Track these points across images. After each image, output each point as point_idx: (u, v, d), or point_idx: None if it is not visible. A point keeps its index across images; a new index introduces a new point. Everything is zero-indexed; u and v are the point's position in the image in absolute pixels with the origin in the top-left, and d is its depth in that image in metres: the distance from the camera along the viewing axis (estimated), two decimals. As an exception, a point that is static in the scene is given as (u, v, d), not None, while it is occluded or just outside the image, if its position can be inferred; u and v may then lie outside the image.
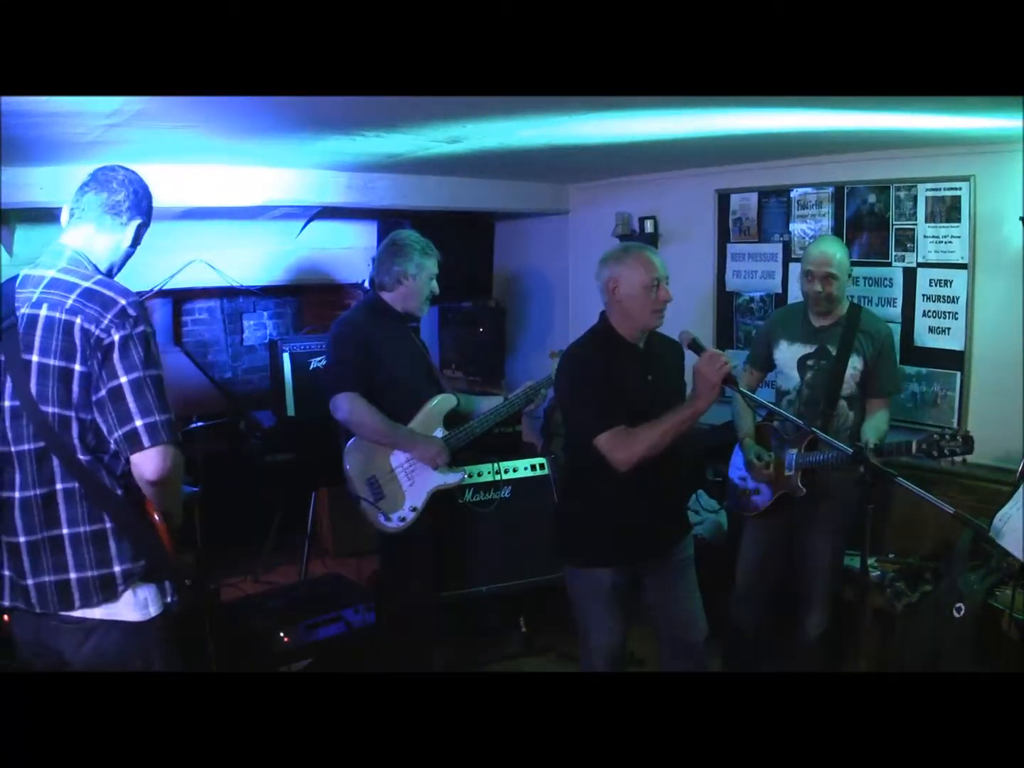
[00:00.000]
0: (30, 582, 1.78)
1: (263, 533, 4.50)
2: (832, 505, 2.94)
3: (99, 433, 1.77)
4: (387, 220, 4.56)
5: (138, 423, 1.74)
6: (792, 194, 3.92)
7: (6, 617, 1.94)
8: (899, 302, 3.55)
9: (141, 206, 1.93)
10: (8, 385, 1.78)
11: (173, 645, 1.89)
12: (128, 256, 1.97)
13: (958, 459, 2.67)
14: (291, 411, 4.28)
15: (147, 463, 1.76)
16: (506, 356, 5.35)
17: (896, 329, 3.41)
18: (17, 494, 1.77)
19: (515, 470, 3.74)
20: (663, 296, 2.39)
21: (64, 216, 1.91)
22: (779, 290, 4.03)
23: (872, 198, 3.61)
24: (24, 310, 1.78)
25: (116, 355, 1.74)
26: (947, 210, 3.36)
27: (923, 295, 3.48)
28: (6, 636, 1.96)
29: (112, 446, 1.78)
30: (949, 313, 3.40)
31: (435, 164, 3.71)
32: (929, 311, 3.47)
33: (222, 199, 3.75)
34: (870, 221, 3.63)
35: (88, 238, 1.87)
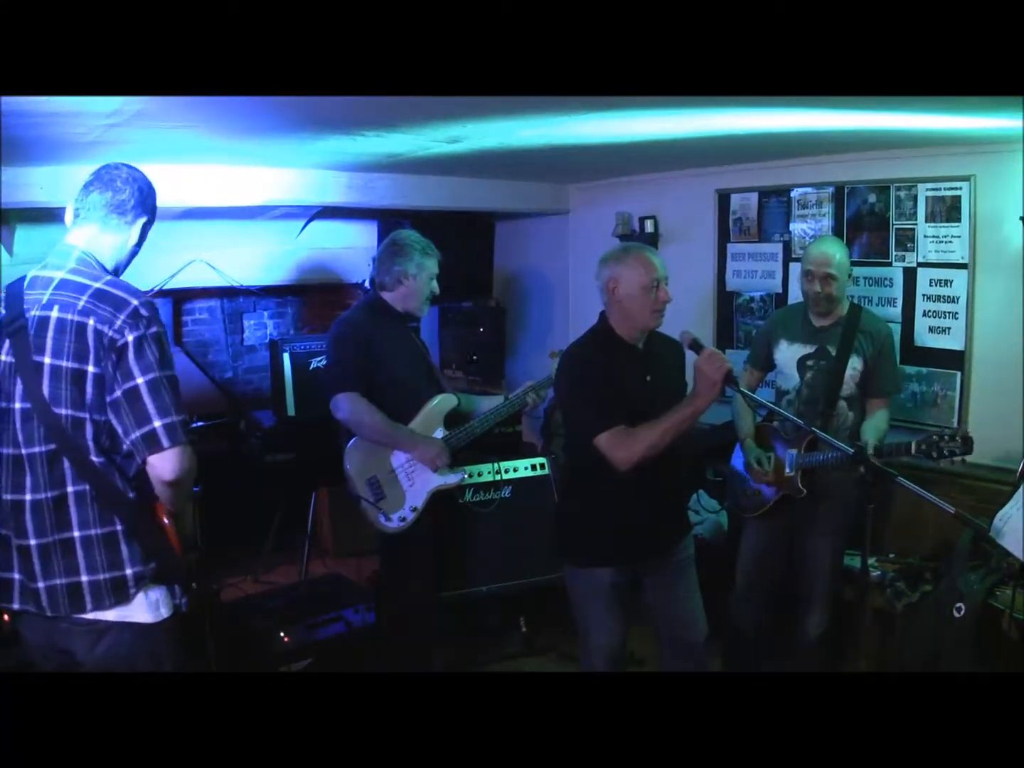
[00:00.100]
0: (41, 585, 1.77)
1: (263, 533, 4.49)
2: (832, 505, 2.94)
3: (113, 435, 1.77)
4: (387, 220, 4.56)
5: (157, 424, 1.73)
6: (792, 194, 3.92)
7: (6, 617, 1.94)
8: (899, 302, 3.55)
9: (146, 204, 1.93)
10: (19, 387, 1.77)
11: (183, 646, 1.90)
12: (134, 254, 1.97)
13: (957, 459, 2.67)
14: (291, 411, 4.28)
15: (165, 464, 1.75)
16: (506, 356, 5.35)
17: (896, 329, 3.41)
18: (28, 496, 1.77)
19: (515, 470, 3.74)
20: (663, 297, 2.39)
21: (68, 216, 1.90)
22: (779, 290, 4.03)
23: (872, 198, 3.61)
24: (34, 312, 1.77)
25: (131, 356, 1.73)
26: (947, 210, 3.36)
27: (923, 295, 3.48)
28: (6, 636, 1.96)
29: (126, 447, 1.77)
30: (949, 313, 3.40)
31: (435, 164, 3.71)
32: (929, 311, 3.47)
33: (222, 199, 3.75)
34: (870, 221, 3.63)
35: (94, 238, 1.87)
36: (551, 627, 3.74)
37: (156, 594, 1.83)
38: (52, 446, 1.75)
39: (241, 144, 3.07)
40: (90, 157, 2.72)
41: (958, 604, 2.72)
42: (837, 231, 3.70)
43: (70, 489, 1.76)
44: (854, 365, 2.95)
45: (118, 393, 1.74)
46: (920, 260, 3.48)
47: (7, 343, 1.78)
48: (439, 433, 3.07)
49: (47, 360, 1.74)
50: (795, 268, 3.65)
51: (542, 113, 2.54)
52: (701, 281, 4.30)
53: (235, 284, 4.60)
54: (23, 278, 1.85)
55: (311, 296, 5.51)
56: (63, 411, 1.74)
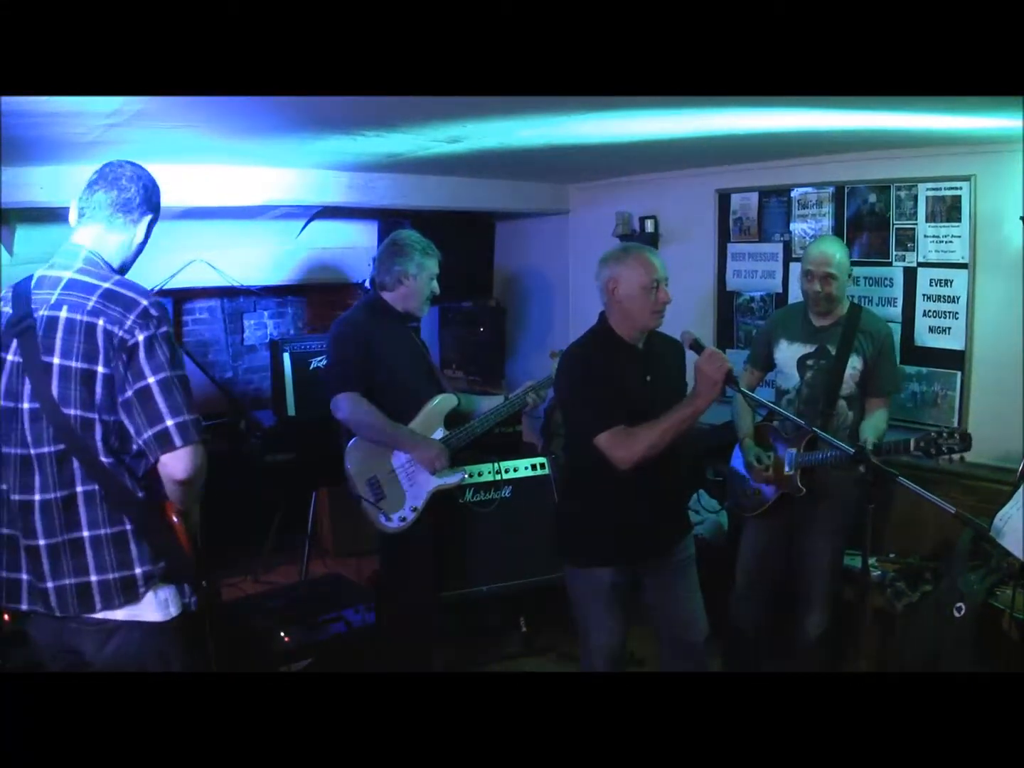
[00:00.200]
0: (50, 585, 1.76)
1: (263, 533, 4.49)
2: (832, 505, 2.94)
3: (123, 435, 1.76)
4: (387, 220, 4.56)
5: (169, 423, 1.74)
6: (792, 194, 3.92)
7: (6, 617, 1.94)
8: (899, 302, 3.55)
9: (151, 201, 1.93)
10: (27, 387, 1.76)
11: (191, 645, 1.89)
12: (140, 252, 1.96)
13: (956, 457, 2.67)
14: (291, 411, 4.28)
15: (178, 463, 1.76)
16: (506, 356, 5.35)
17: (896, 329, 3.42)
18: (37, 496, 1.76)
19: (515, 470, 3.75)
20: (662, 298, 2.39)
21: (73, 215, 1.90)
22: (779, 290, 4.03)
23: (873, 198, 3.61)
24: (43, 312, 1.77)
25: (142, 356, 1.73)
26: (947, 210, 3.36)
27: (923, 295, 3.48)
28: (7, 636, 1.96)
29: (136, 448, 1.77)
30: (949, 313, 3.40)
31: (435, 164, 3.71)
32: (929, 311, 3.47)
33: (222, 199, 3.75)
34: (870, 221, 3.63)
35: (100, 237, 1.87)
36: (551, 627, 3.74)
37: (165, 593, 1.83)
38: (61, 446, 1.75)
39: (241, 144, 3.07)
40: (90, 157, 2.72)
41: (958, 604, 2.72)
42: (837, 231, 3.70)
43: (79, 489, 1.76)
44: (854, 364, 2.95)
45: (129, 393, 1.73)
46: (920, 260, 3.48)
47: (14, 343, 1.78)
48: (439, 433, 3.07)
49: (56, 360, 1.74)
50: (795, 268, 3.65)
51: (542, 113, 2.54)
52: (701, 281, 4.30)
53: (235, 284, 4.59)
54: (30, 277, 1.84)
55: (311, 296, 5.51)
56: (72, 411, 1.74)
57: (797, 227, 3.92)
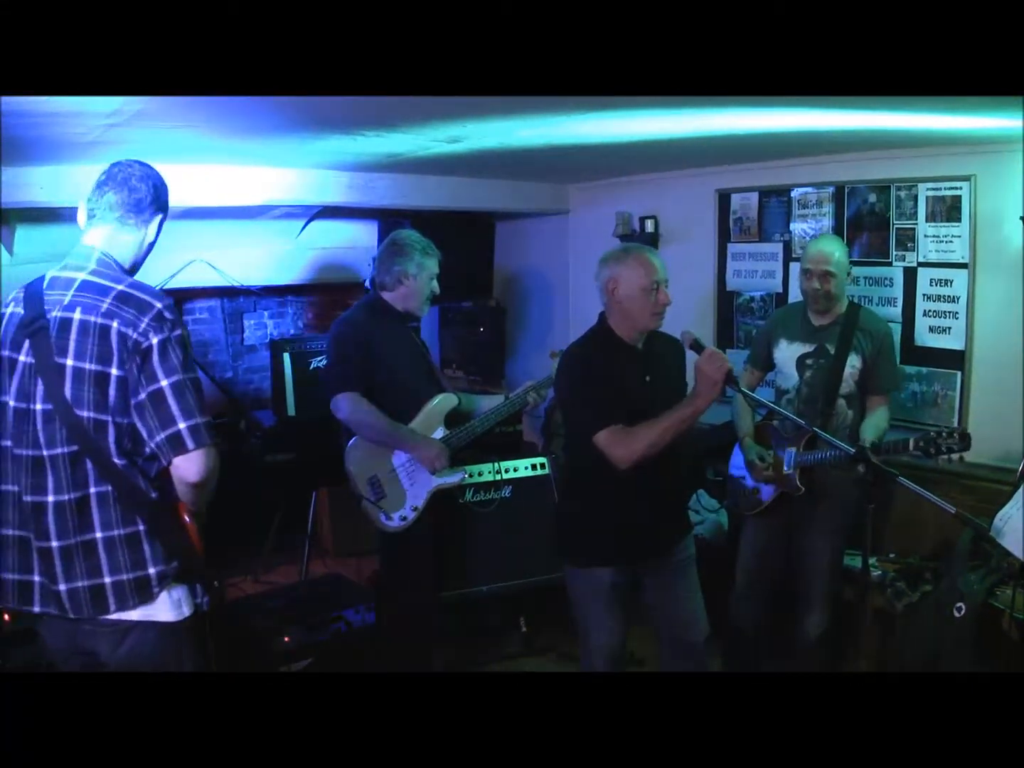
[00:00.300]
0: (63, 587, 1.76)
1: (263, 533, 4.49)
2: (831, 504, 2.94)
3: (135, 436, 1.76)
4: (387, 220, 4.56)
5: (181, 426, 1.73)
6: (792, 194, 3.92)
7: (7, 617, 1.94)
8: (899, 302, 3.55)
9: (161, 200, 1.93)
10: (40, 388, 1.76)
11: (202, 645, 1.90)
12: (149, 251, 1.96)
13: (956, 457, 2.67)
14: (291, 411, 4.28)
15: (190, 465, 1.76)
16: (506, 356, 5.35)
17: (896, 329, 3.42)
18: (50, 498, 1.75)
19: (516, 470, 3.75)
20: (662, 300, 2.39)
21: (81, 216, 1.89)
22: (780, 290, 4.03)
23: (873, 198, 3.61)
24: (56, 313, 1.76)
25: (155, 358, 1.73)
26: (947, 210, 3.36)
27: (923, 295, 3.48)
28: (7, 636, 1.96)
29: (149, 450, 1.77)
30: (949, 313, 3.40)
31: (435, 164, 3.71)
32: (929, 311, 3.47)
33: (222, 199, 3.75)
34: (871, 221, 3.63)
35: (111, 237, 1.86)
36: (551, 627, 3.74)
37: (178, 593, 1.83)
38: (74, 447, 1.74)
39: (241, 144, 3.07)
40: (90, 157, 2.73)
41: (958, 604, 2.72)
42: (837, 231, 3.70)
43: (92, 490, 1.76)
44: (853, 363, 2.95)
45: (142, 395, 1.73)
46: (920, 260, 3.48)
47: (27, 343, 1.77)
48: (439, 432, 3.07)
49: (69, 362, 1.74)
50: (795, 268, 3.64)
51: (542, 113, 2.54)
52: (701, 281, 4.30)
53: (235, 284, 4.59)
54: (42, 278, 1.84)
55: (311, 296, 5.50)
56: (85, 413, 1.73)
57: (797, 227, 3.92)
